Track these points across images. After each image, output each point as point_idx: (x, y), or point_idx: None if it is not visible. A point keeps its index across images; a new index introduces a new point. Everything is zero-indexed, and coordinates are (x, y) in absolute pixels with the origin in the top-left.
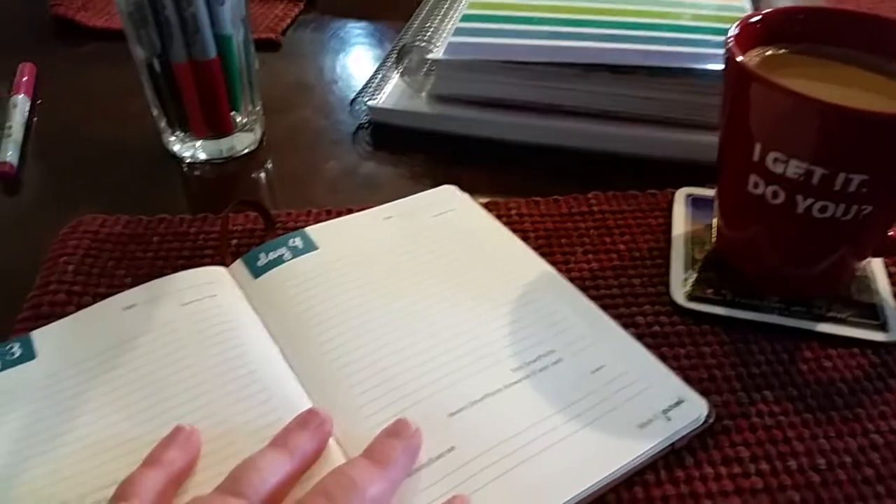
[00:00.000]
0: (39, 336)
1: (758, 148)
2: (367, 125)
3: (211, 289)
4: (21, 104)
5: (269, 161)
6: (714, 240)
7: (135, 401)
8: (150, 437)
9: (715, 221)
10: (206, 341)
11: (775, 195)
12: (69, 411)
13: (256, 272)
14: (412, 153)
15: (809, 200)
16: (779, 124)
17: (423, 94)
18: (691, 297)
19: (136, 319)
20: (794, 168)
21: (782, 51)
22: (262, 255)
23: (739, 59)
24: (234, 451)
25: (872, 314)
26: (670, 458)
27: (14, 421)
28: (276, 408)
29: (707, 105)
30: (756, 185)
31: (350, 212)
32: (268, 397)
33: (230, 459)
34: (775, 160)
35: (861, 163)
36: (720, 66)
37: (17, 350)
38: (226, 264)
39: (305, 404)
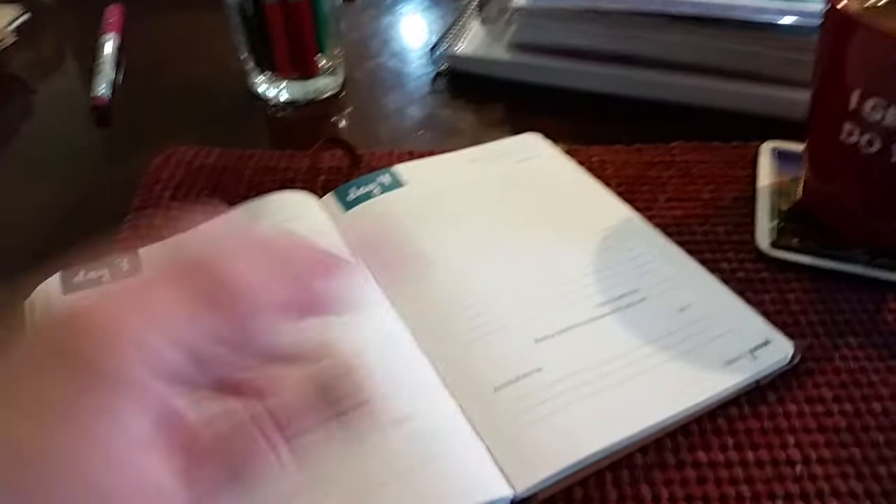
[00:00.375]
0: (146, 254)
1: (855, 95)
2: (446, 73)
3: (308, 211)
4: (112, 41)
5: (349, 105)
6: (800, 192)
7: None
8: None
9: (803, 174)
10: None
11: (870, 143)
12: None
13: (347, 206)
14: (491, 101)
15: None
16: (880, 69)
17: (504, 42)
18: (776, 245)
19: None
20: (893, 115)
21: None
22: (353, 190)
23: (840, 5)
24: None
25: None
26: (754, 395)
27: None
28: (374, 326)
29: (793, 60)
30: (850, 134)
31: (433, 154)
32: (363, 317)
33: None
34: (874, 107)
35: None
36: (807, 21)
37: (125, 264)
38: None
39: (400, 328)
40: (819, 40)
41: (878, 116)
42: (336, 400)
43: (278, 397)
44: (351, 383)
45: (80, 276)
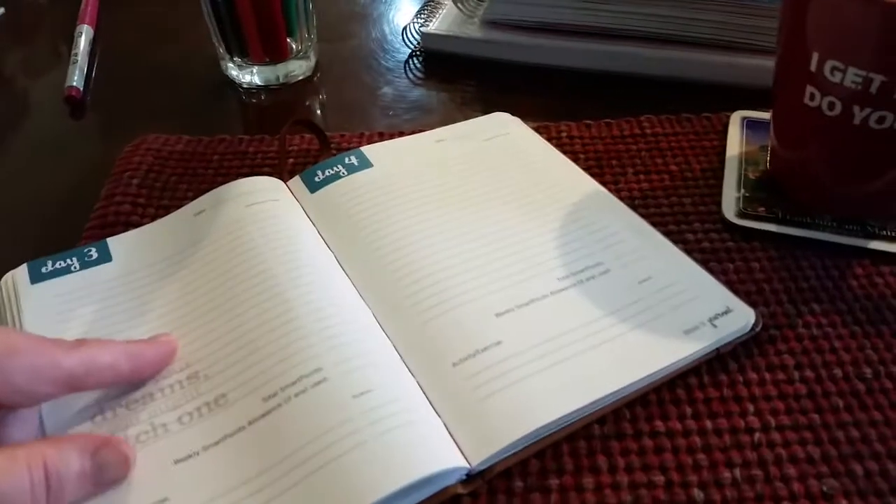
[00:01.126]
0: (114, 242)
1: (815, 58)
2: (419, 52)
3: (273, 194)
4: (86, 33)
5: (323, 87)
6: (768, 161)
7: (205, 292)
8: (222, 322)
9: (769, 143)
10: (270, 236)
11: (831, 106)
12: (144, 304)
13: (313, 187)
14: (464, 80)
15: (867, 111)
16: (837, 30)
17: (476, 20)
18: (742, 214)
19: (206, 222)
20: (851, 76)
21: None
22: (319, 172)
23: None
24: (294, 328)
25: None
26: (714, 364)
27: (91, 312)
28: (338, 301)
29: (762, 28)
30: (812, 97)
31: (402, 135)
32: (329, 292)
33: (290, 337)
34: (833, 69)
35: None
36: None
37: (94, 253)
38: (284, 181)
39: (361, 305)
40: (781, 5)
41: (837, 78)
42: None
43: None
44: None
45: (48, 266)
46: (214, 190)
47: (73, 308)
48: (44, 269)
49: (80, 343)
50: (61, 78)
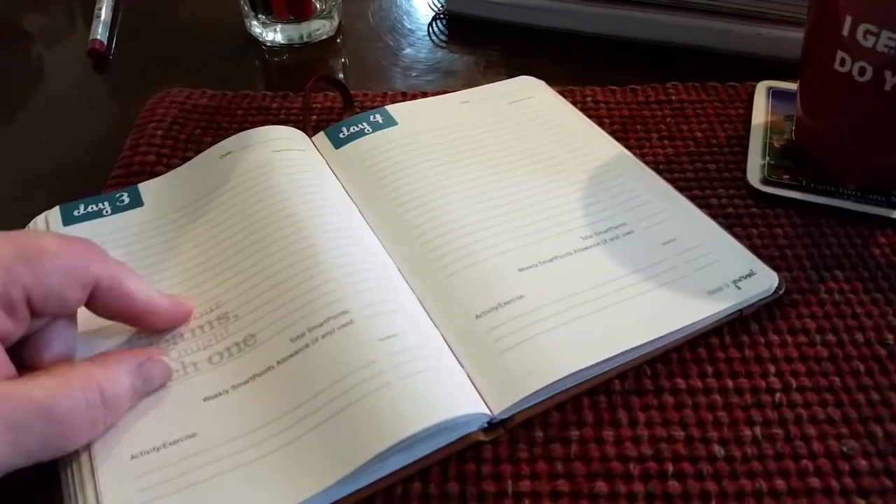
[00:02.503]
0: (145, 187)
1: (848, 21)
2: (442, 15)
3: (300, 144)
4: None
5: (345, 48)
6: (794, 130)
7: (233, 234)
8: (249, 263)
9: (796, 112)
10: (297, 181)
11: (862, 72)
12: (174, 248)
13: (338, 143)
14: (487, 44)
15: None
16: None
17: None
18: (767, 181)
19: (233, 164)
20: (885, 40)
21: None
22: (344, 129)
23: None
24: (321, 271)
25: None
26: (737, 325)
27: (122, 255)
28: (363, 250)
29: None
30: (843, 63)
31: (426, 96)
32: (354, 240)
33: (317, 280)
34: (866, 33)
35: None
36: None
37: (126, 198)
38: (308, 136)
39: (385, 257)
40: None
41: (870, 43)
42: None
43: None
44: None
45: (81, 210)
46: (241, 133)
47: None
48: (76, 213)
49: (113, 261)
50: (84, 34)
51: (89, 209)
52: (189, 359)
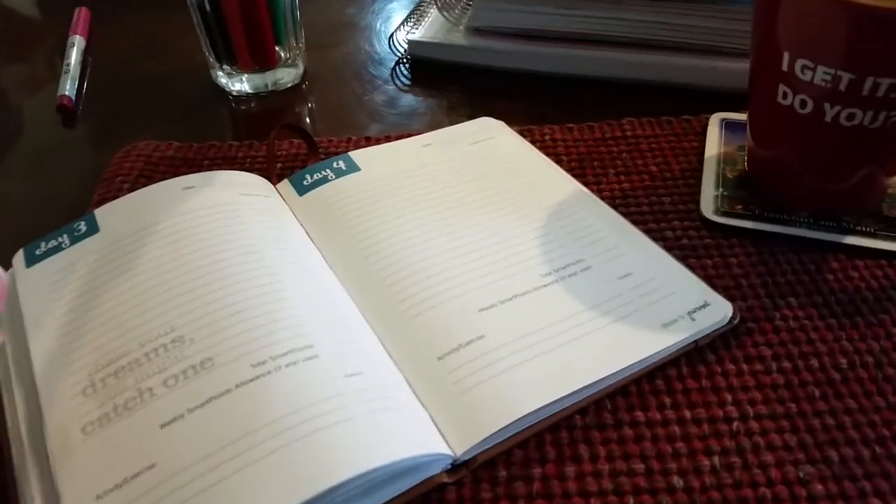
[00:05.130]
0: (101, 213)
1: (786, 57)
2: (405, 59)
3: (265, 191)
4: (77, 43)
5: (311, 94)
6: (746, 160)
7: (193, 259)
8: (209, 289)
9: (747, 143)
10: (263, 221)
11: (803, 104)
12: (129, 270)
13: (302, 190)
14: (450, 86)
15: (837, 108)
16: (806, 30)
17: (461, 27)
18: (720, 212)
19: (197, 197)
20: (821, 75)
21: None
22: (308, 176)
23: None
24: (285, 306)
25: None
26: (693, 356)
27: (81, 284)
28: (327, 291)
29: (741, 31)
30: (785, 96)
31: (389, 140)
32: (318, 282)
33: (281, 313)
34: (803, 68)
35: (889, 66)
36: None
37: (83, 226)
38: (273, 184)
39: (349, 300)
40: (754, 6)
41: (808, 77)
42: None
43: None
44: None
45: (42, 248)
46: (205, 173)
47: (63, 285)
48: (37, 252)
49: None
50: (54, 89)
51: (50, 245)
52: (145, 384)
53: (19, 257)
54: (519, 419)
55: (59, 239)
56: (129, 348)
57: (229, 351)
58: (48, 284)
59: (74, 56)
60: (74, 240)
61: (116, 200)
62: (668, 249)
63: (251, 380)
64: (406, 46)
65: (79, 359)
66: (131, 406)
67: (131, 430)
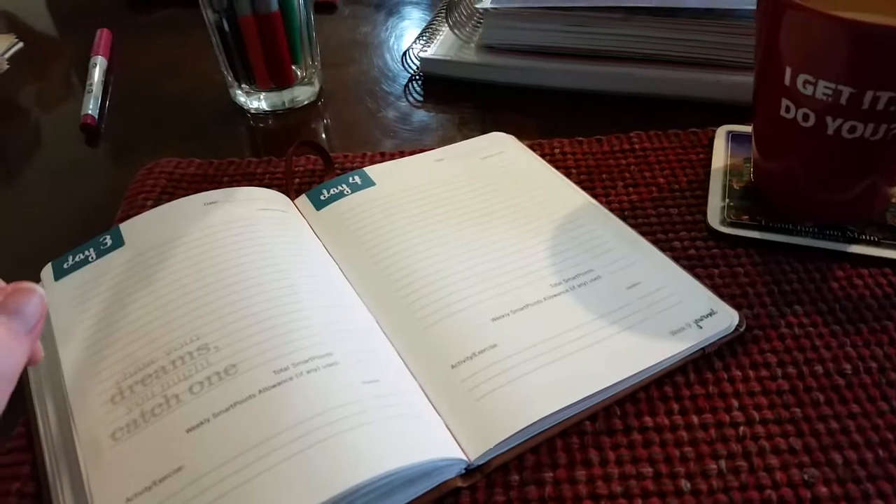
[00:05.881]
0: (126, 227)
1: (788, 72)
2: (418, 76)
3: (283, 206)
4: (100, 63)
5: (327, 111)
6: (751, 172)
7: (215, 272)
8: (231, 300)
9: (752, 155)
10: (282, 235)
11: (806, 118)
12: (153, 282)
13: (319, 205)
14: (461, 102)
15: (839, 121)
16: (807, 46)
17: (472, 44)
18: (727, 222)
19: (218, 212)
20: (822, 89)
21: None
22: (325, 191)
23: None
24: (304, 316)
25: None
26: (700, 363)
27: (106, 297)
28: (344, 303)
29: (745, 45)
30: (788, 110)
31: (403, 155)
32: (336, 293)
33: (301, 323)
34: (805, 82)
35: (888, 80)
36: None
37: (108, 240)
38: (291, 199)
39: (365, 311)
40: (756, 22)
41: (809, 91)
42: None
43: None
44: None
45: (69, 261)
46: (226, 189)
47: (90, 297)
48: (65, 265)
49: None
50: (77, 108)
51: (77, 258)
52: (171, 391)
53: (47, 271)
54: (531, 425)
55: (86, 253)
56: (155, 357)
57: (252, 358)
58: (76, 297)
59: (97, 76)
60: (100, 253)
61: (141, 215)
62: (676, 259)
63: (274, 385)
64: (418, 64)
65: (107, 367)
66: (158, 412)
67: (159, 436)
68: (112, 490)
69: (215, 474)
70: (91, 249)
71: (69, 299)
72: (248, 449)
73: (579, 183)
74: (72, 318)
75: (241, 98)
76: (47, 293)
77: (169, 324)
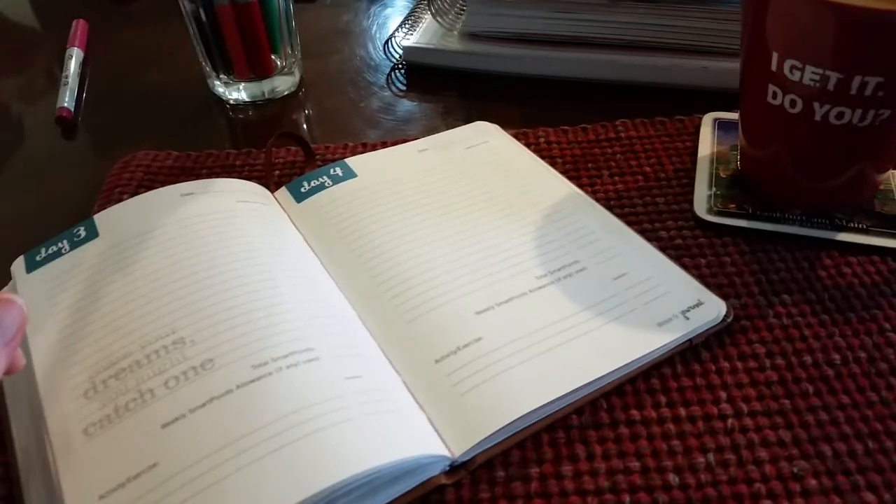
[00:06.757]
0: (100, 218)
1: (775, 57)
2: (401, 65)
3: (263, 199)
4: (76, 55)
5: (308, 102)
6: (738, 159)
7: (192, 264)
8: (208, 293)
9: (739, 142)
10: (261, 228)
11: (793, 104)
12: (128, 274)
13: (299, 197)
14: (445, 90)
15: (826, 107)
16: (793, 31)
17: (455, 32)
18: (714, 211)
19: (195, 204)
20: (809, 74)
21: None
22: (305, 183)
23: None
24: (284, 310)
25: (894, 224)
26: (687, 354)
27: (80, 290)
28: (326, 297)
29: (731, 31)
30: (775, 96)
31: (386, 146)
32: (317, 287)
33: (280, 317)
34: (792, 68)
35: (876, 65)
36: None
37: (82, 231)
38: (271, 192)
39: (347, 305)
40: (742, 7)
41: (796, 77)
42: None
43: None
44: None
45: (42, 253)
46: (205, 180)
47: (63, 289)
48: (38, 258)
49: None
50: (53, 100)
51: (50, 251)
52: (146, 385)
53: (19, 264)
54: (516, 420)
55: (59, 245)
56: (129, 350)
57: (230, 352)
58: (48, 289)
59: (73, 68)
60: (74, 245)
61: (115, 206)
62: (663, 249)
63: (252, 381)
64: (401, 52)
65: (80, 361)
66: (132, 407)
67: (133, 431)
68: (84, 487)
69: (191, 471)
70: (64, 241)
71: (41, 292)
72: (225, 445)
73: (564, 172)
74: (43, 312)
75: (220, 89)
76: (19, 286)
77: (144, 317)
